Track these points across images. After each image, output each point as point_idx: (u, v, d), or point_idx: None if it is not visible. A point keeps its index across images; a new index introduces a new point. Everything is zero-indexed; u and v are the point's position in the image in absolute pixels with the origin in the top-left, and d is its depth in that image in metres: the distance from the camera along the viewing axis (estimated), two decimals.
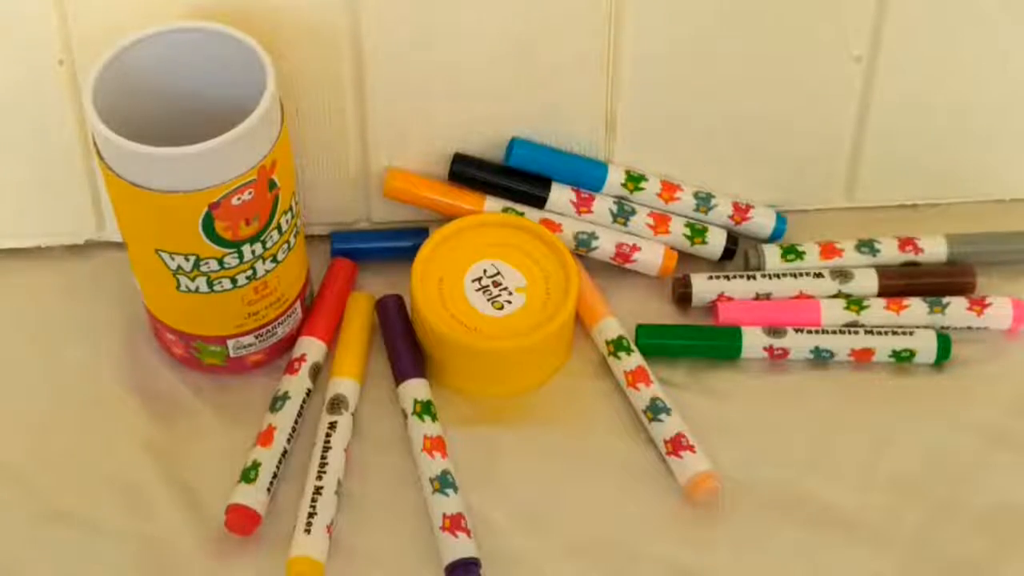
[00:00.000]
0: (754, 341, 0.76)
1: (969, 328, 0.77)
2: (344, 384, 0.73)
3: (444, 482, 0.69)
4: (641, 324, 0.76)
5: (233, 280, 0.70)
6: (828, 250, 0.79)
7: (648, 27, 0.74)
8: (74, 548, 0.69)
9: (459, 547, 0.67)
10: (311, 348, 0.75)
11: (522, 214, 0.79)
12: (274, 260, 0.70)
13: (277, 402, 0.73)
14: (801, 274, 0.78)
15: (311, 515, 0.68)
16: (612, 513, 0.70)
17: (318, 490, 0.69)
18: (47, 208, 0.79)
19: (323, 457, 0.70)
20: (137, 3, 0.70)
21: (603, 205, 0.79)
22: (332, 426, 0.72)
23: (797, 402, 0.75)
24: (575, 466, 0.72)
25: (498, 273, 0.75)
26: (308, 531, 0.68)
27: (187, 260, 0.68)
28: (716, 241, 0.80)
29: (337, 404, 0.73)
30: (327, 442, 0.71)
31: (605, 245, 0.79)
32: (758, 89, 0.77)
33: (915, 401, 0.75)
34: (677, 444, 0.71)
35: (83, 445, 0.72)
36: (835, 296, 0.78)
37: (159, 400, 0.74)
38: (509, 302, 0.74)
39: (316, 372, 0.75)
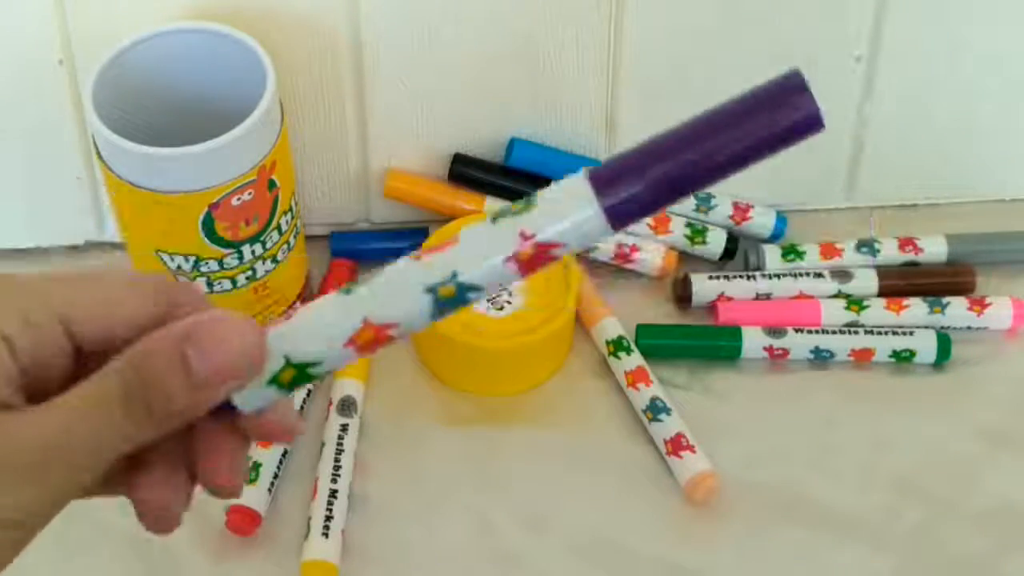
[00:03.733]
0: (754, 341, 0.76)
1: (969, 328, 0.77)
2: (351, 385, 0.73)
3: None
4: (641, 324, 0.76)
5: (233, 281, 0.70)
6: (828, 250, 0.79)
7: (648, 27, 0.74)
8: (73, 548, 0.69)
9: None
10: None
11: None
12: (274, 260, 0.70)
13: None
14: (801, 274, 0.78)
15: (328, 519, 0.68)
16: (612, 513, 0.70)
17: (333, 493, 0.69)
18: (47, 208, 0.78)
19: (336, 460, 0.70)
20: (137, 3, 0.70)
21: None
22: (344, 428, 0.72)
23: (797, 402, 0.75)
24: (575, 466, 0.72)
25: None
26: (326, 535, 0.68)
27: (187, 261, 0.68)
28: (716, 241, 0.80)
29: (347, 406, 0.73)
30: (339, 445, 0.71)
31: (605, 245, 0.79)
32: None
33: (915, 401, 0.75)
34: (677, 444, 0.71)
35: None
36: (835, 296, 0.78)
37: None
38: (509, 302, 0.74)
39: None
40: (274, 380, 0.36)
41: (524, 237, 0.32)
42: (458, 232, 0.33)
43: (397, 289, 0.34)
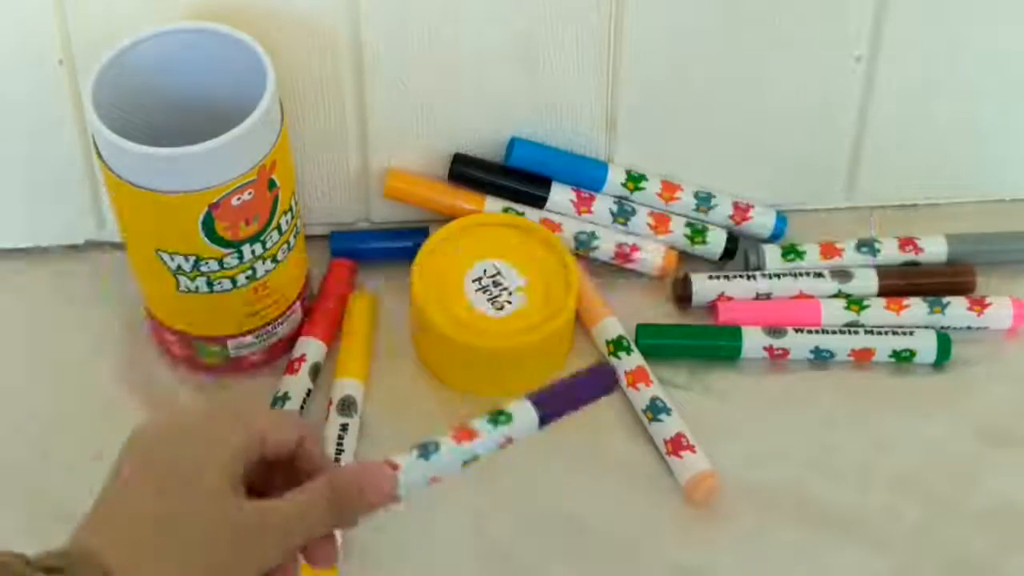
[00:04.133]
0: (754, 341, 0.76)
1: (969, 328, 0.77)
2: (351, 385, 0.73)
3: None
4: (641, 324, 0.76)
5: (233, 280, 0.70)
6: (828, 250, 0.79)
7: (648, 27, 0.74)
8: None
9: None
10: (311, 348, 0.75)
11: (522, 214, 0.79)
12: (274, 260, 0.70)
13: (277, 402, 0.73)
14: (801, 274, 0.78)
15: None
16: (612, 513, 0.70)
17: None
18: (47, 208, 0.78)
19: (336, 460, 0.70)
20: (137, 3, 0.70)
21: (603, 205, 0.79)
22: (344, 428, 0.72)
23: (797, 402, 0.75)
24: (575, 466, 0.72)
25: (498, 273, 0.75)
26: None
27: (187, 260, 0.68)
28: (716, 241, 0.80)
29: (347, 406, 0.72)
30: (340, 445, 0.71)
31: (605, 245, 0.79)
32: (758, 89, 0.77)
33: (915, 401, 0.75)
34: (677, 444, 0.71)
35: (83, 445, 0.72)
36: (835, 296, 0.78)
37: (159, 400, 0.74)
38: (509, 302, 0.74)
39: (316, 372, 0.75)
40: None
41: (505, 437, 0.58)
42: (477, 428, 0.58)
43: (449, 462, 0.57)
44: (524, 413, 0.61)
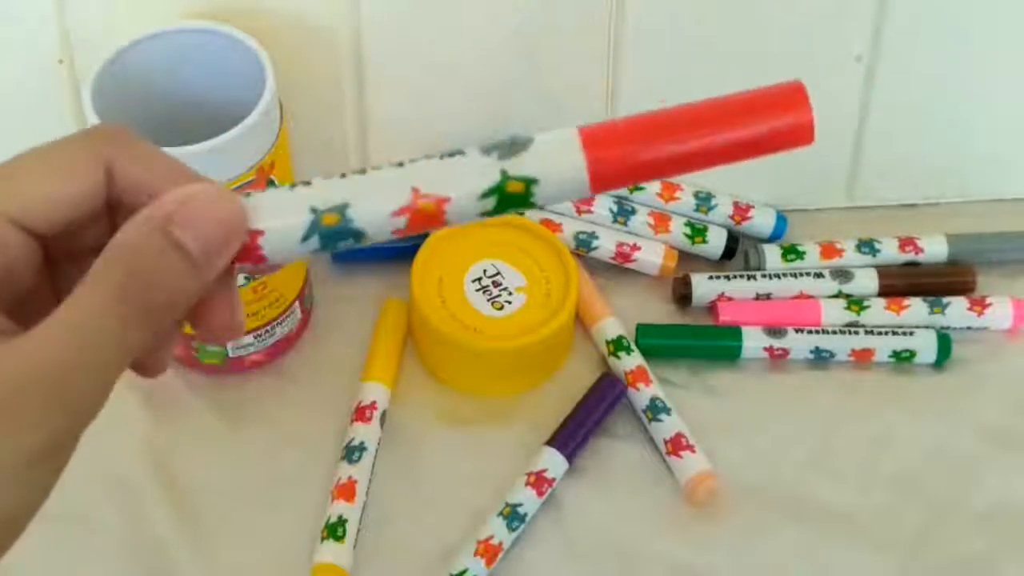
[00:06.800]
0: (754, 341, 0.76)
1: (969, 328, 0.77)
2: (382, 391, 0.73)
3: None
4: (641, 324, 0.76)
5: None
6: (828, 250, 0.79)
7: (649, 28, 0.74)
8: (70, 548, 0.68)
9: None
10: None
11: (522, 214, 0.79)
12: None
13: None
14: (801, 274, 0.78)
15: (359, 524, 0.68)
16: (612, 513, 0.70)
17: (363, 502, 0.69)
18: None
19: (372, 470, 0.70)
20: (137, 3, 0.70)
21: (603, 204, 0.79)
22: (379, 441, 0.71)
23: (797, 402, 0.75)
24: (575, 466, 0.72)
25: (498, 273, 0.75)
26: (351, 542, 0.68)
27: None
28: (716, 240, 0.80)
29: (383, 417, 0.72)
30: (375, 456, 0.71)
31: (605, 245, 0.79)
32: None
33: (915, 401, 0.75)
34: (677, 444, 0.71)
35: (81, 444, 0.72)
36: (835, 296, 0.78)
37: (158, 400, 0.74)
38: (509, 302, 0.74)
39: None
40: None
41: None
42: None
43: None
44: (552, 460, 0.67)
